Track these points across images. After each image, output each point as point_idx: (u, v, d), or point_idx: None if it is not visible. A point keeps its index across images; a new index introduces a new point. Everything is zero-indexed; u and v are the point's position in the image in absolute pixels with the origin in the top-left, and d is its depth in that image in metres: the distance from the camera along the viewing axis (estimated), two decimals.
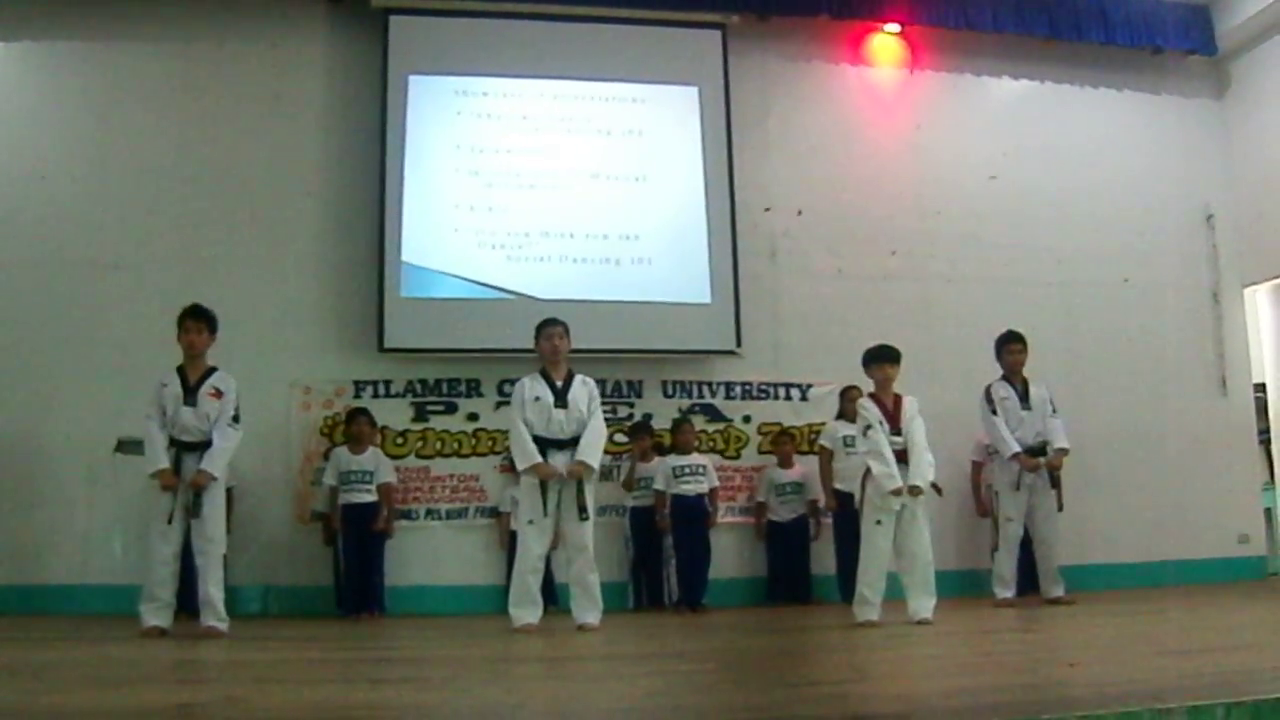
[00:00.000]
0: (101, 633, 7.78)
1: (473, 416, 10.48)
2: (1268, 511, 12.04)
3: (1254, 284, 12.34)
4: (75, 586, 9.59)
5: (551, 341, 7.87)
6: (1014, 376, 9.44)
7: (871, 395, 7.99)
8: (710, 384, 10.93)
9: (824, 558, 10.41)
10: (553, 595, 9.23)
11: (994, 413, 9.38)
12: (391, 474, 9.91)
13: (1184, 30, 12.29)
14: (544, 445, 7.71)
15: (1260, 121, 12.24)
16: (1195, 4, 12.31)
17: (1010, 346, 9.47)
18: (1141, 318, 11.77)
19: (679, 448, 10.32)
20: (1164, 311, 11.88)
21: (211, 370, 7.90)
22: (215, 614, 7.36)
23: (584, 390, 7.94)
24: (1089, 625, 7.11)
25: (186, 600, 9.30)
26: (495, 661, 5.83)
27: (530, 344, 8.07)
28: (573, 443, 7.75)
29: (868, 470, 7.76)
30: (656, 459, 10.32)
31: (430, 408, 10.51)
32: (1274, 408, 12.37)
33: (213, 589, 7.38)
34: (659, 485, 10.14)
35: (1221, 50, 12.42)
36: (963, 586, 10.42)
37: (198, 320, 7.88)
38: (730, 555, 10.59)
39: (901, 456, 7.71)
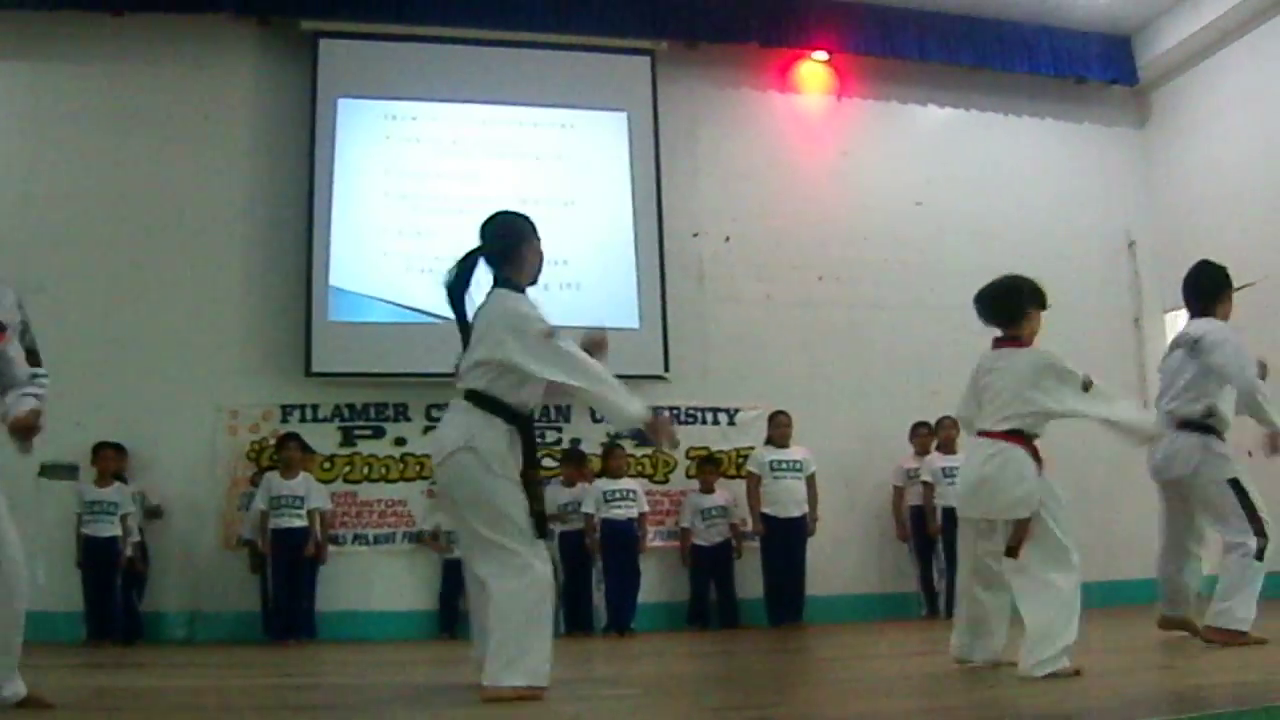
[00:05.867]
0: (23, 661, 7.67)
1: (400, 441, 10.47)
2: None
3: (1175, 309, 12.45)
4: None
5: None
6: None
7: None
8: None
9: (749, 581, 10.47)
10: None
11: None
12: (324, 499, 9.90)
13: (1106, 60, 12.55)
14: None
15: (1180, 150, 12.50)
16: (1118, 35, 12.57)
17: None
18: (1064, 343, 11.69)
19: (610, 472, 10.37)
20: (1087, 336, 11.94)
21: None
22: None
23: None
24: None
25: (101, 624, 9.32)
26: (420, 689, 5.82)
27: None
28: None
29: None
30: (581, 484, 10.35)
31: (358, 432, 10.48)
32: None
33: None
34: (589, 509, 10.15)
35: (1142, 80, 12.71)
36: (888, 609, 10.58)
37: None
38: (658, 580, 10.62)
39: None
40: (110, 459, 9.65)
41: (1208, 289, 6.73)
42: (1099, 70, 12.54)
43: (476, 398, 4.77)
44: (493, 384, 4.78)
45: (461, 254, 5.04)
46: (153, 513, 9.85)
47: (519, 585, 4.57)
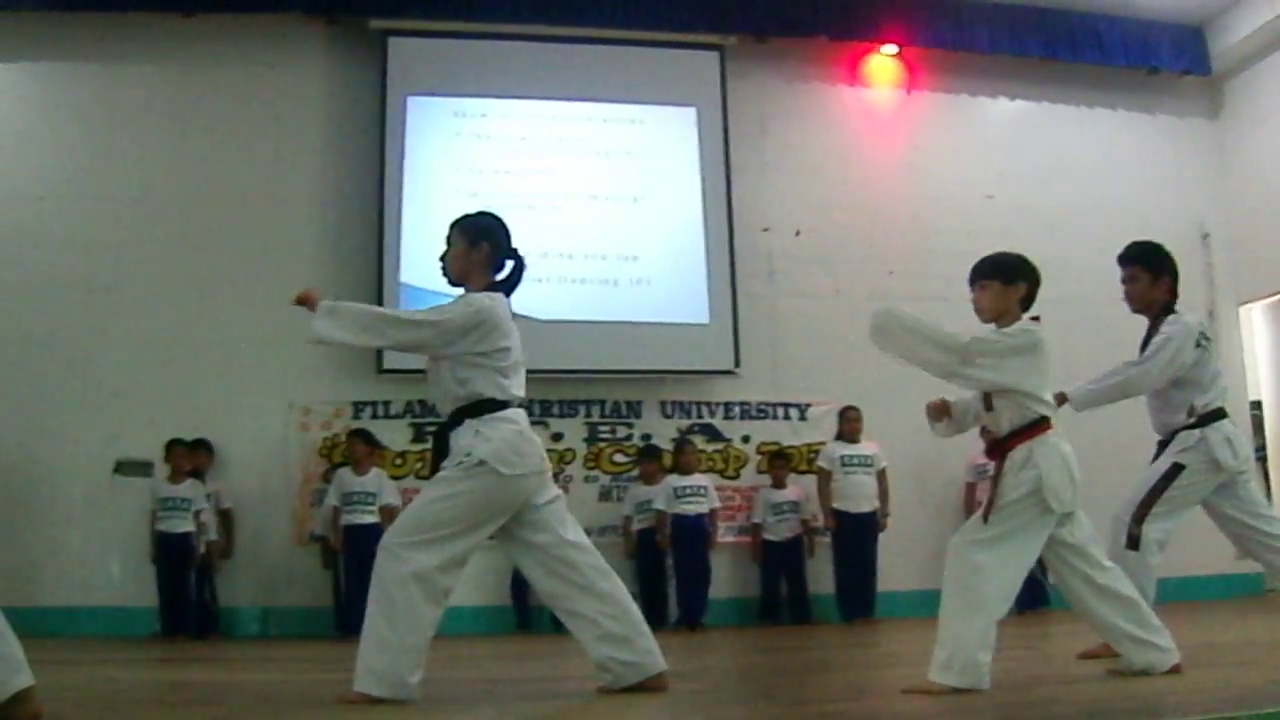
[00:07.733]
0: (100, 655, 7.78)
1: None
2: None
3: (1249, 302, 12.37)
4: (74, 608, 9.60)
5: None
6: None
7: None
8: (709, 404, 10.96)
9: (821, 577, 10.45)
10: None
11: None
12: (395, 496, 9.86)
13: (1179, 50, 12.35)
14: None
15: (1255, 140, 12.31)
16: (1190, 24, 12.38)
17: None
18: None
19: (681, 468, 10.37)
20: None
21: None
22: None
23: None
24: (1087, 643, 7.10)
25: (175, 619, 9.42)
26: (494, 683, 5.82)
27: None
28: None
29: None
30: (659, 481, 10.36)
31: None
32: (1270, 425, 12.37)
33: None
34: (660, 505, 10.17)
35: (1216, 70, 12.50)
36: None
37: None
38: (730, 575, 10.60)
39: None
40: (183, 455, 9.73)
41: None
42: (1171, 60, 12.34)
43: None
44: None
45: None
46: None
47: None
